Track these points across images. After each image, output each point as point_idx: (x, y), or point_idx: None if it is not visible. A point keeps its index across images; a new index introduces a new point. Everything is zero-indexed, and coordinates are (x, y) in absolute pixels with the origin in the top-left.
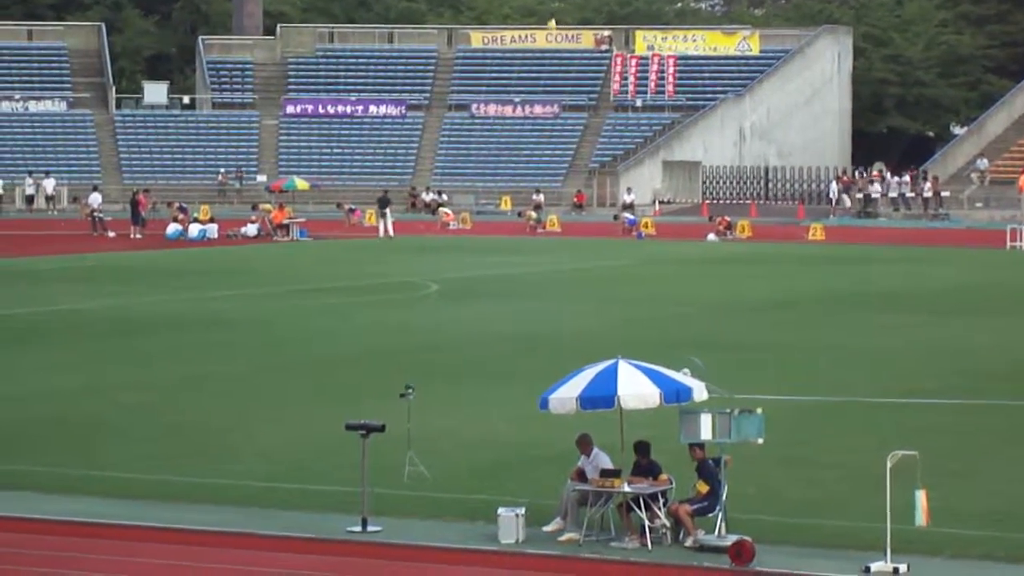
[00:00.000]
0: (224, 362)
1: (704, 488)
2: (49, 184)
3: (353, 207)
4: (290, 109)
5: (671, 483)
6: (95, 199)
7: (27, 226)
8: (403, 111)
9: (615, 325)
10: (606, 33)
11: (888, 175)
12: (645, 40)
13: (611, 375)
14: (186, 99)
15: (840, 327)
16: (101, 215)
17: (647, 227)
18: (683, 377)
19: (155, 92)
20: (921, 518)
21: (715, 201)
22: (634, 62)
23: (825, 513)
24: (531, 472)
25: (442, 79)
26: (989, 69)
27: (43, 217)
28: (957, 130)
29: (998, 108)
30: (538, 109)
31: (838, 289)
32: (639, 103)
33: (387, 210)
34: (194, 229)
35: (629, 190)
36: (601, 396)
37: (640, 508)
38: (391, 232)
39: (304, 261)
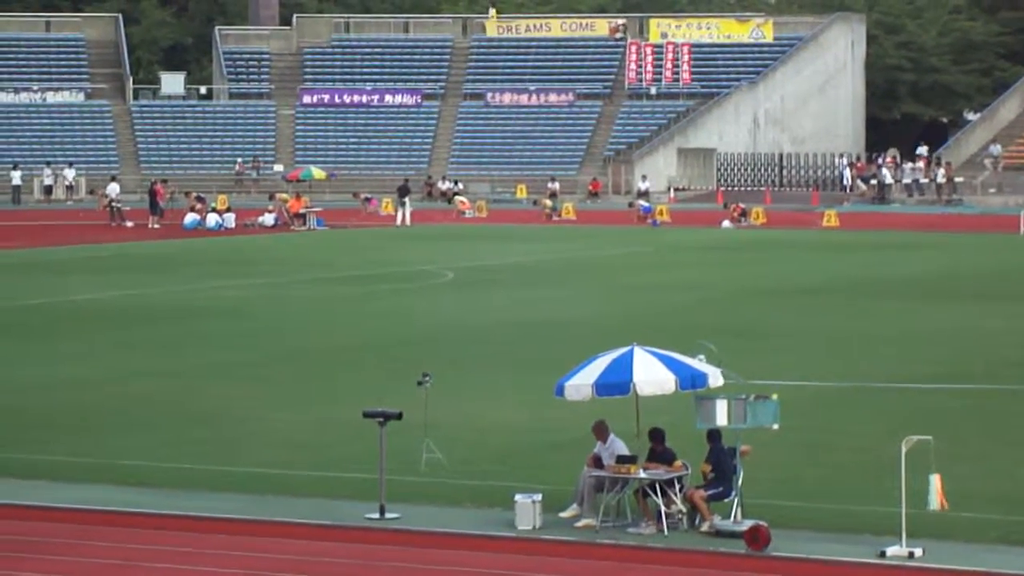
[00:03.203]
0: (241, 351)
1: (706, 468)
2: (70, 174)
3: (369, 196)
4: (306, 99)
5: (686, 469)
6: (113, 189)
7: (45, 216)
8: (419, 100)
9: (630, 312)
10: (620, 21)
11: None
12: (659, 28)
13: (626, 362)
14: (203, 89)
15: (854, 313)
16: (119, 205)
17: (662, 214)
18: (698, 363)
19: (172, 83)
20: (935, 502)
21: (729, 188)
22: (649, 50)
23: (841, 498)
24: (547, 459)
25: (457, 68)
26: (1002, 55)
27: (61, 208)
28: (970, 116)
29: (1011, 94)
30: (553, 97)
31: (852, 275)
32: (654, 91)
33: (406, 199)
34: (211, 219)
35: (644, 178)
36: (617, 383)
37: (656, 494)
38: (408, 221)
39: (321, 250)
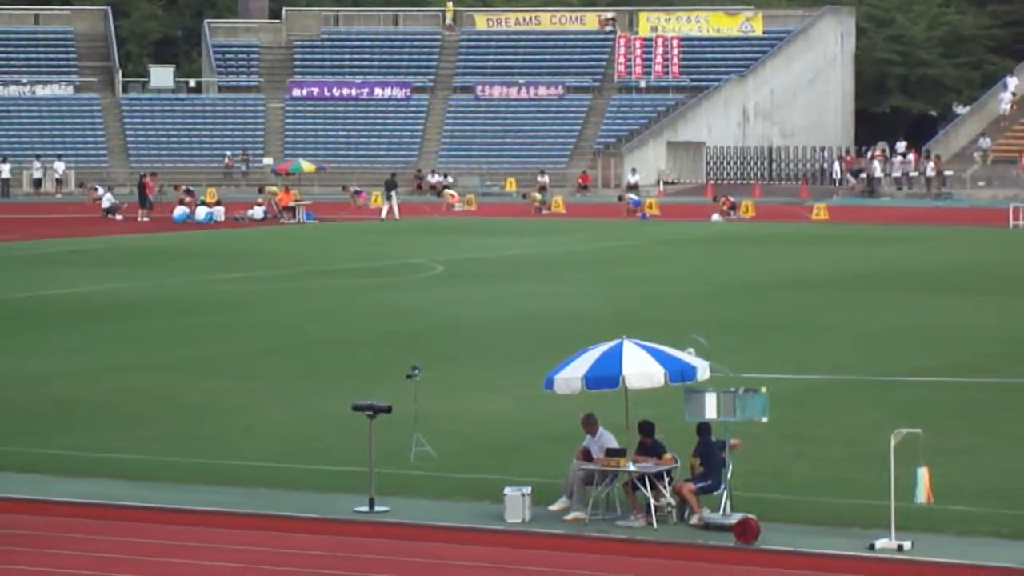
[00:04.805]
0: (231, 344)
1: (694, 462)
2: (59, 167)
3: (359, 189)
4: (296, 92)
5: (676, 462)
6: (108, 199)
7: (34, 210)
8: (408, 93)
9: (619, 305)
10: (610, 14)
11: (896, 154)
12: (648, 21)
13: (616, 355)
14: (192, 82)
15: (844, 306)
16: (115, 203)
17: (651, 208)
18: (687, 356)
19: (161, 76)
20: (922, 495)
21: (719, 181)
22: (638, 43)
23: (830, 491)
24: (537, 452)
25: (447, 61)
26: (991, 49)
27: (50, 201)
28: (959, 110)
29: (1000, 87)
30: (542, 91)
31: (841, 268)
32: (643, 84)
33: (393, 192)
34: (201, 212)
35: (633, 171)
36: (606, 376)
37: (645, 487)
38: (396, 214)
39: (310, 243)
